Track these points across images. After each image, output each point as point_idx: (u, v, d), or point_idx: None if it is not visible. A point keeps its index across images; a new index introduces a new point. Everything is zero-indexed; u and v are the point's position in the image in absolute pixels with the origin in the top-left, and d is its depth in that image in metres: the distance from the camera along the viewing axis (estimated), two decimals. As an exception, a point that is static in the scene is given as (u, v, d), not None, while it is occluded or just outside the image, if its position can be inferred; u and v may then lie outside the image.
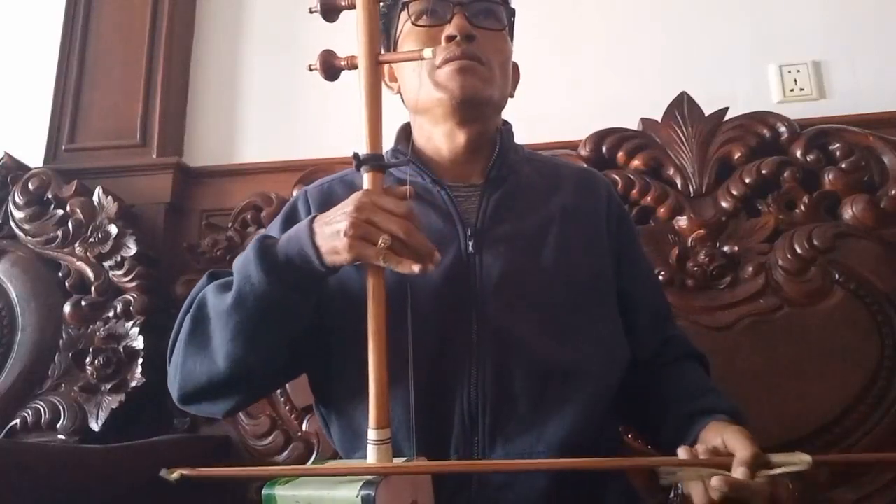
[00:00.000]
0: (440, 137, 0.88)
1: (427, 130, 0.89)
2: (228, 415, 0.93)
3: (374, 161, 0.68)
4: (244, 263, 0.71)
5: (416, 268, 0.64)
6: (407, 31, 0.87)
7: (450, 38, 0.82)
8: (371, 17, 0.68)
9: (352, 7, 0.69)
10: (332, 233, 0.65)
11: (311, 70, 0.70)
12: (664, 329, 0.94)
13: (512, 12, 0.91)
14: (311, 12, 0.69)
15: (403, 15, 0.87)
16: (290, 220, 0.87)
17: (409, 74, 0.87)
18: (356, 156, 0.68)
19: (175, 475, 0.56)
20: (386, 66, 0.94)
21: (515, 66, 0.95)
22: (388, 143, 0.91)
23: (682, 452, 0.66)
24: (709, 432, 0.71)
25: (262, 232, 0.99)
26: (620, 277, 0.90)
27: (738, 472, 0.60)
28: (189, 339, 0.75)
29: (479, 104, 0.84)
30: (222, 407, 0.80)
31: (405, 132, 0.93)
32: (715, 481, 0.60)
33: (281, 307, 0.71)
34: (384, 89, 0.93)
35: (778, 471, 0.60)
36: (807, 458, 0.59)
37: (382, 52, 0.71)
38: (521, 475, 0.75)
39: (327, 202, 0.82)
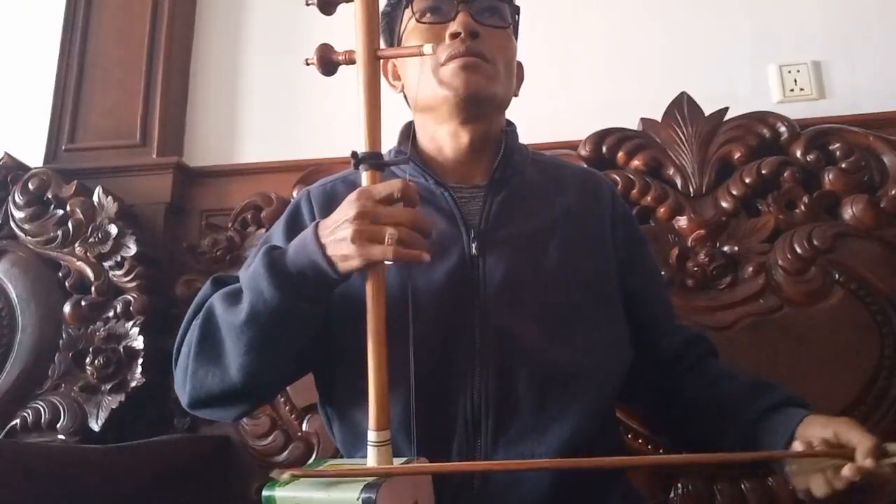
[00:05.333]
0: (444, 137, 0.87)
1: (430, 130, 0.89)
2: (237, 419, 0.93)
3: (373, 159, 0.67)
4: (254, 278, 0.70)
5: (426, 256, 0.64)
6: (411, 28, 0.86)
7: (454, 36, 0.81)
8: (369, 9, 0.67)
9: (349, 0, 0.68)
10: (339, 240, 0.65)
11: (307, 64, 0.70)
12: (679, 327, 0.95)
13: (516, 10, 0.91)
14: (307, 5, 0.68)
15: (407, 12, 0.87)
16: (294, 222, 0.87)
17: (413, 72, 0.86)
18: (354, 154, 0.67)
19: (286, 476, 0.57)
20: (390, 66, 0.93)
21: (520, 65, 0.94)
22: (392, 142, 0.91)
23: (797, 445, 0.68)
24: (812, 426, 0.71)
25: (265, 233, 0.99)
26: (631, 280, 0.90)
27: (866, 462, 0.62)
28: (199, 349, 0.75)
29: (483, 101, 0.83)
30: (233, 413, 0.81)
31: (407, 132, 0.92)
32: (848, 470, 0.63)
33: (294, 319, 0.71)
34: (388, 88, 0.93)
35: None
36: None
37: (381, 47, 0.70)
38: (523, 476, 0.75)
39: (330, 203, 0.82)
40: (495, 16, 0.86)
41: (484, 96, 0.83)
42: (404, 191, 0.65)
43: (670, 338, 0.91)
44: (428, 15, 0.85)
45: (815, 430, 0.70)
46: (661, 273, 1.14)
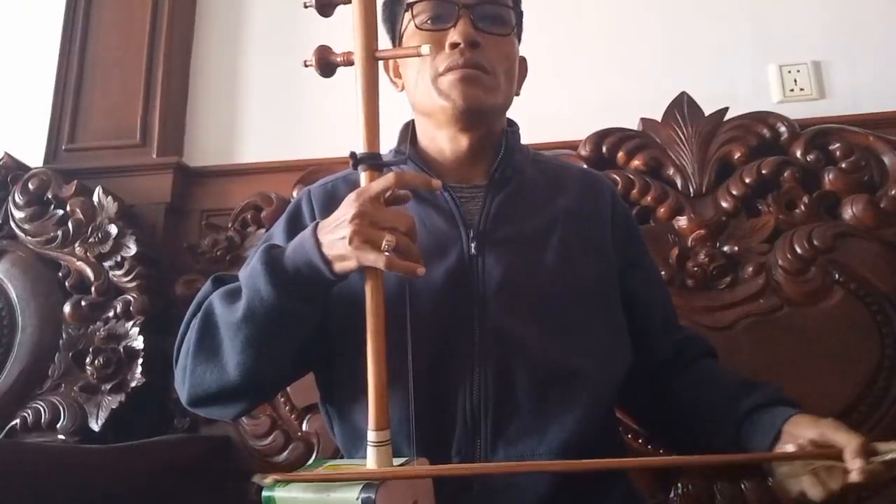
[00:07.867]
0: (443, 140, 0.87)
1: (431, 132, 0.88)
2: (237, 418, 0.93)
3: (371, 160, 0.67)
4: (252, 276, 0.70)
5: (420, 270, 0.64)
6: (411, 31, 0.85)
7: (453, 46, 0.80)
8: (367, 10, 0.67)
9: (347, 1, 0.67)
10: (337, 240, 0.65)
11: (306, 66, 0.70)
12: (677, 328, 0.95)
13: (520, 13, 0.90)
14: (305, 7, 0.68)
15: (408, 14, 0.85)
16: (294, 221, 0.87)
17: (413, 77, 0.85)
18: (353, 155, 0.67)
19: (268, 480, 0.57)
20: (391, 61, 0.93)
21: (523, 60, 0.93)
22: (392, 142, 0.91)
23: (789, 446, 0.68)
24: (799, 426, 0.71)
25: (265, 233, 0.99)
26: (630, 281, 0.90)
27: (857, 462, 0.62)
28: (198, 347, 0.75)
29: (481, 113, 0.83)
30: (232, 411, 0.80)
31: (407, 131, 0.92)
32: (856, 474, 0.63)
33: (290, 318, 0.71)
34: (388, 89, 0.93)
35: (888, 457, 0.63)
36: None
37: (381, 42, 0.70)
38: (523, 476, 0.75)
39: (331, 202, 0.82)
40: (498, 23, 0.84)
41: (482, 108, 0.82)
42: (398, 180, 0.65)
43: (668, 339, 0.91)
44: (428, 22, 0.83)
45: (801, 430, 0.70)
46: (661, 275, 1.14)
